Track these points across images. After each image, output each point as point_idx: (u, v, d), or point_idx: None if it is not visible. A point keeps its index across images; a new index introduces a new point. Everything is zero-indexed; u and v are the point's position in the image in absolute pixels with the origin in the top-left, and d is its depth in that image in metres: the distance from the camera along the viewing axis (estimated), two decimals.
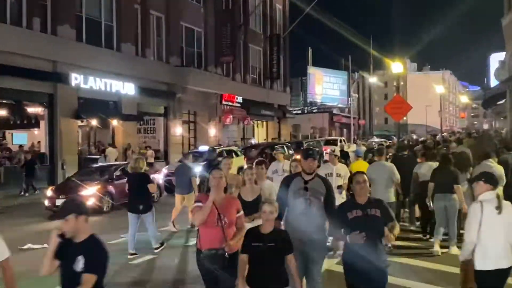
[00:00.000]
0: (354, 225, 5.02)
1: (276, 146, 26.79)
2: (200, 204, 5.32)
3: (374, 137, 64.30)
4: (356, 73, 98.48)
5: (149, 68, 27.63)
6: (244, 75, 39.03)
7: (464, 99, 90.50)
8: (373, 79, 77.60)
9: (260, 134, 43.01)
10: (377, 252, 5.03)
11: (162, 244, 10.47)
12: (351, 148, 30.36)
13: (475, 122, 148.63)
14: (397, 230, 5.13)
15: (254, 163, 7.96)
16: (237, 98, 36.71)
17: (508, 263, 5.23)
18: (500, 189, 7.22)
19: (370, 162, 11.86)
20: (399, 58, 41.34)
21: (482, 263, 5.25)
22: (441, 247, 9.49)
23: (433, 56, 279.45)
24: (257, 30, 41.63)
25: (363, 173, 5.47)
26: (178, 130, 30.47)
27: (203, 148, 24.10)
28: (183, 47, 31.68)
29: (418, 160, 11.88)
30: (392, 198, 10.11)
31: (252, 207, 6.38)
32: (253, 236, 5.00)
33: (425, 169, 10.70)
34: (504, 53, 26.24)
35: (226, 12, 35.55)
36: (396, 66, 22.54)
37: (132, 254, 9.89)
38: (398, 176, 10.22)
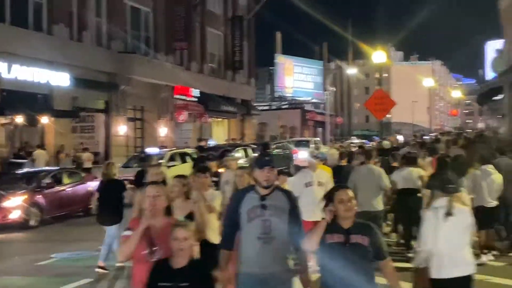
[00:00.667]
0: (332, 251, 4.75)
1: (237, 149, 26.87)
2: (129, 233, 4.87)
3: (354, 137, 65.00)
4: (333, 62, 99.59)
5: (86, 55, 27.28)
6: (201, 64, 38.94)
7: (457, 94, 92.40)
8: (352, 70, 78.45)
9: (220, 133, 42.99)
10: None
11: (105, 268, 10.21)
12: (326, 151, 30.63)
13: (469, 121, 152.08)
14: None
15: (195, 171, 7.84)
16: (192, 91, 36.61)
17: (464, 272, 5.76)
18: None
19: (335, 169, 11.99)
20: (381, 46, 41.86)
21: (437, 272, 5.78)
22: None
23: (422, 44, 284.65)
24: (216, 11, 41.60)
25: (347, 188, 5.07)
26: (121, 128, 30.18)
27: (152, 150, 24.00)
28: (128, 30, 31.40)
29: (395, 164, 12.17)
30: (380, 206, 10.47)
31: None
32: (160, 273, 4.47)
33: (404, 175, 11.10)
34: (501, 40, 26.91)
35: None
36: (377, 56, 22.86)
37: (99, 267, 10.07)
38: (387, 182, 10.64)
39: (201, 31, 38.89)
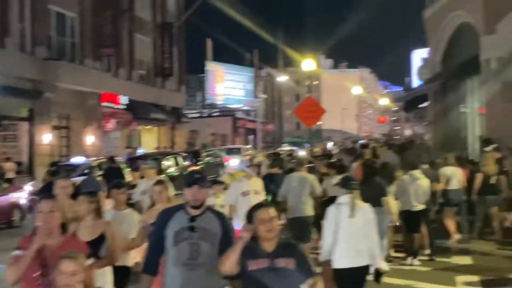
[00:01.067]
0: (256, 279, 4.43)
1: (167, 157, 26.53)
2: (19, 253, 4.38)
3: (285, 144, 65.52)
4: (263, 69, 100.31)
5: (9, 62, 26.35)
6: (129, 70, 38.35)
7: (384, 101, 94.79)
8: (283, 78, 79.24)
9: (149, 142, 42.40)
10: None
11: None
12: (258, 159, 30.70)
13: (397, 127, 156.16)
14: None
15: (111, 187, 7.45)
16: (120, 99, 35.98)
17: (363, 262, 6.59)
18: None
19: (266, 177, 12.03)
20: (311, 53, 42.47)
21: (339, 262, 6.56)
22: None
23: (351, 52, 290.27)
24: (145, 17, 41.10)
25: (269, 206, 4.82)
26: (46, 137, 29.33)
27: (78, 159, 23.40)
28: (53, 36, 30.57)
29: (325, 171, 12.37)
30: (310, 212, 10.74)
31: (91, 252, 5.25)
32: None
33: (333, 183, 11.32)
34: (427, 49, 27.73)
35: None
36: (307, 64, 23.09)
37: None
38: (319, 189, 11.08)
39: (129, 37, 38.32)
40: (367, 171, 10.62)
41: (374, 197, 9.88)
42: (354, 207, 6.68)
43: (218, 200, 9.59)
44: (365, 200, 10.07)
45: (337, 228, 6.57)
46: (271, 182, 11.82)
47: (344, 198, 6.77)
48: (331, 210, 6.74)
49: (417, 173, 11.43)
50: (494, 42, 18.15)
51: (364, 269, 6.65)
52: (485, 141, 17.06)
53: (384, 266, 6.94)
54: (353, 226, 6.60)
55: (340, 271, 6.57)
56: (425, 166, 13.00)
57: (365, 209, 6.88)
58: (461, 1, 20.68)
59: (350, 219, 6.61)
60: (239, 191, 9.54)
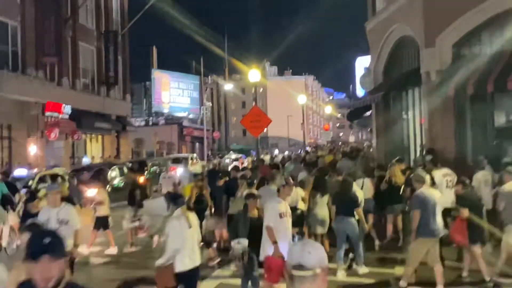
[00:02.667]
0: None
1: (113, 167, 26.23)
2: None
3: (231, 152, 65.62)
4: (209, 77, 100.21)
5: None
6: (73, 79, 37.77)
7: (329, 109, 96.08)
8: (229, 86, 79.41)
9: (94, 151, 41.83)
10: None
11: None
12: (195, 168, 30.75)
13: (341, 134, 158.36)
14: None
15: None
16: (64, 108, 35.36)
17: (195, 263, 8.12)
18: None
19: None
20: (257, 62, 42.69)
21: (180, 266, 7.89)
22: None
23: (296, 58, 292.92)
24: (88, 26, 40.62)
25: None
26: None
27: (20, 171, 22.85)
28: None
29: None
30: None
31: None
32: None
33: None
34: (370, 56, 28.35)
35: (49, 2, 34.16)
36: (253, 74, 23.22)
37: None
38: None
39: (72, 45, 37.75)
40: (344, 187, 11.78)
41: (348, 208, 11.35)
42: (188, 220, 8.17)
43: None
44: (340, 211, 11.42)
45: (180, 236, 7.98)
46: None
47: (178, 212, 8.22)
48: (173, 222, 8.10)
49: (354, 185, 12.29)
50: (434, 55, 18.68)
51: (196, 269, 8.26)
52: (428, 152, 17.55)
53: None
54: (191, 233, 8.19)
55: (182, 273, 7.94)
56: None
57: (194, 216, 8.64)
58: (402, 14, 21.16)
59: (188, 227, 8.11)
60: (277, 212, 9.10)
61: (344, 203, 11.48)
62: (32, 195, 10.38)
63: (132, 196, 15.69)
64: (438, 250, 9.91)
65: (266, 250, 8.79)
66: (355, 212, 11.51)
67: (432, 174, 12.80)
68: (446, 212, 11.08)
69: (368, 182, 14.04)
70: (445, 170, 13.87)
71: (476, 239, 10.29)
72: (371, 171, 16.30)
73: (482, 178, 13.64)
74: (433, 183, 11.56)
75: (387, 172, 14.44)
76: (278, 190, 10.29)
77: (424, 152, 19.49)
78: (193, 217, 8.48)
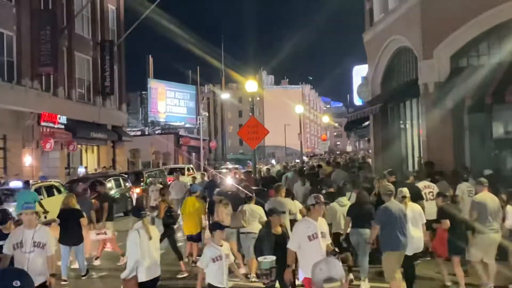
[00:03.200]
0: None
1: (108, 179, 26.09)
2: None
3: (228, 163, 65.52)
4: (206, 86, 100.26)
5: None
6: (68, 89, 37.74)
7: (326, 119, 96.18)
8: (225, 96, 79.42)
9: (90, 161, 41.74)
10: None
11: (88, 271, 13.74)
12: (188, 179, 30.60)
13: (338, 143, 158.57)
14: None
15: None
16: (60, 118, 35.31)
17: (156, 273, 8.64)
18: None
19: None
20: (253, 71, 42.66)
21: (143, 276, 8.39)
22: None
23: (293, 68, 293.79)
24: (84, 35, 40.64)
25: None
26: None
27: (16, 183, 22.69)
28: None
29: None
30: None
31: None
32: None
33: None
34: (367, 65, 28.42)
35: (45, 13, 34.24)
36: (250, 85, 23.20)
37: (64, 281, 12.78)
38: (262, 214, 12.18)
39: (68, 55, 37.74)
40: (362, 199, 11.88)
41: (363, 221, 11.36)
42: (148, 232, 8.60)
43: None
44: (356, 223, 11.47)
45: (142, 247, 8.42)
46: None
47: (139, 224, 8.64)
48: (132, 235, 8.52)
49: (344, 199, 12.65)
50: (432, 67, 18.72)
51: (157, 278, 8.78)
52: (426, 164, 17.55)
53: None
54: (150, 244, 8.60)
55: (144, 283, 8.46)
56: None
57: (155, 229, 9.14)
58: (399, 26, 21.21)
59: (148, 239, 8.56)
60: (305, 234, 8.32)
61: (360, 216, 11.43)
62: (5, 216, 9.59)
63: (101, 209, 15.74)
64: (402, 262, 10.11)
65: (303, 270, 8.29)
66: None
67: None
68: (429, 224, 11.30)
69: (355, 195, 13.97)
70: (425, 183, 13.94)
71: (456, 250, 10.64)
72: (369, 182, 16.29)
73: (466, 189, 13.67)
74: (418, 197, 11.56)
75: (375, 184, 14.49)
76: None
77: (422, 164, 19.52)
78: (153, 229, 8.97)
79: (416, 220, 10.49)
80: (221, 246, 8.62)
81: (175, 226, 14.38)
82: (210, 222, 14.98)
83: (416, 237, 10.37)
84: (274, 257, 8.65)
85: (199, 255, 11.91)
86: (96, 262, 15.20)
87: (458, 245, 10.64)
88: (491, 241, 10.69)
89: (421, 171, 17.29)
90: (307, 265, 7.54)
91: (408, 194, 10.59)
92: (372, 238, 10.52)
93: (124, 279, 8.49)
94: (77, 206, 13.64)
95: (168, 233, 13.73)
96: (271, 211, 9.87)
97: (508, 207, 11.22)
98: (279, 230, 9.43)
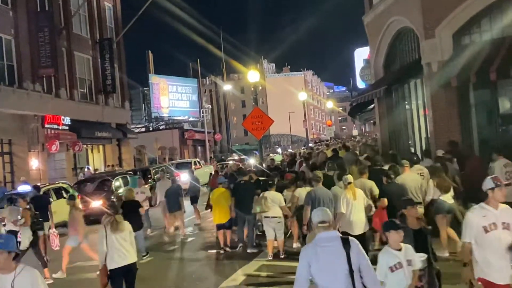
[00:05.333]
0: None
1: (116, 177, 26.19)
2: None
3: (234, 154, 65.59)
4: (207, 78, 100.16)
5: None
6: (70, 90, 37.82)
7: (330, 104, 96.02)
8: (227, 87, 79.34)
9: (96, 161, 41.88)
10: None
11: (147, 253, 15.76)
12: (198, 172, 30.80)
13: (344, 127, 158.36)
14: None
15: None
16: (63, 120, 35.45)
17: (127, 261, 9.58)
18: None
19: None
20: (254, 60, 42.69)
21: (110, 264, 9.48)
22: None
23: (294, 55, 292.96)
24: (83, 35, 40.65)
25: None
26: None
27: (25, 188, 22.79)
28: None
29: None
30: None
31: None
32: None
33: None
34: (368, 47, 28.31)
35: (42, 14, 34.23)
36: (252, 75, 23.21)
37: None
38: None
39: (68, 56, 37.78)
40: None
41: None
42: (119, 225, 9.70)
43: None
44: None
45: (107, 240, 9.50)
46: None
47: (106, 219, 9.75)
48: (101, 231, 9.66)
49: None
50: (434, 46, 18.66)
51: (132, 265, 9.73)
52: (451, 143, 17.50)
53: None
54: (118, 238, 9.58)
55: (113, 270, 9.50)
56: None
57: (126, 225, 9.94)
58: (400, 6, 21.14)
59: (115, 233, 9.60)
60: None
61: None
62: None
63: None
64: None
65: (479, 269, 7.04)
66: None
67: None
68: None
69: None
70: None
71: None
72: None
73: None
74: (349, 182, 11.59)
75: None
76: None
77: (428, 145, 19.55)
78: (124, 222, 9.90)
79: (360, 204, 11.40)
80: (400, 250, 7.08)
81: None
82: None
83: (359, 219, 11.32)
84: (425, 255, 7.56)
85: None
86: None
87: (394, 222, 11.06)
88: None
89: (427, 150, 17.49)
90: (484, 262, 6.83)
91: (351, 180, 11.46)
92: (305, 219, 11.75)
93: (99, 269, 9.73)
94: (136, 198, 16.59)
95: (35, 239, 14.27)
96: (406, 202, 8.68)
97: (430, 182, 12.41)
98: (414, 223, 8.25)
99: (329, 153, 23.56)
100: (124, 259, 9.58)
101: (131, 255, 9.74)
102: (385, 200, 11.53)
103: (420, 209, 11.70)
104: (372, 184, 12.65)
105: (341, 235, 5.76)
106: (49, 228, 16.88)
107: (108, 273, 9.55)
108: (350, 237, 5.74)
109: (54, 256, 15.86)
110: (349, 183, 11.33)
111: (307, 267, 5.51)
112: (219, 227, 15.67)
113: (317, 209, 6.03)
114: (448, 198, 12.23)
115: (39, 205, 16.94)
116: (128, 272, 9.66)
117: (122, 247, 9.59)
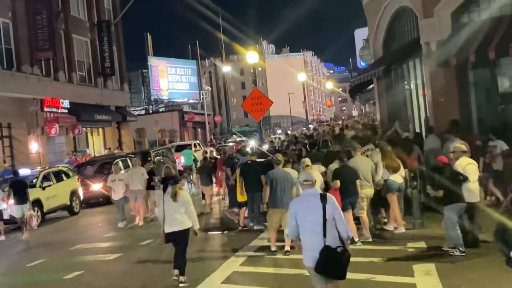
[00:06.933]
0: None
1: (116, 160, 26.18)
2: None
3: (234, 136, 65.60)
4: (206, 60, 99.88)
5: None
6: (69, 73, 37.73)
7: (330, 85, 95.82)
8: (227, 68, 79.10)
9: (96, 144, 41.92)
10: None
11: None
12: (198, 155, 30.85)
13: (344, 108, 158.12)
14: None
15: None
16: (62, 103, 35.36)
17: (180, 227, 10.49)
18: None
19: None
20: (253, 42, 42.52)
21: (167, 229, 10.49)
22: None
23: (293, 35, 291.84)
24: (80, 17, 40.45)
25: None
26: None
27: (25, 171, 22.85)
28: None
29: None
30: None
31: None
32: None
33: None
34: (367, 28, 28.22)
35: None
36: (251, 56, 23.17)
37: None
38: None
39: (66, 38, 37.65)
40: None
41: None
42: (177, 194, 10.40)
43: None
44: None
45: (164, 207, 10.39)
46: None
47: (170, 188, 10.46)
48: (159, 195, 10.79)
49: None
50: (433, 25, 18.63)
51: (182, 232, 10.46)
52: (454, 122, 17.53)
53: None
54: (172, 205, 10.35)
55: (167, 234, 10.44)
56: None
57: (184, 195, 10.72)
58: None
59: (171, 201, 10.34)
60: None
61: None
62: None
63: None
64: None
65: None
66: None
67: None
68: None
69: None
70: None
71: (346, 206, 11.72)
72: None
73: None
74: (306, 165, 12.14)
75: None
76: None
77: (428, 124, 19.59)
78: (182, 192, 10.69)
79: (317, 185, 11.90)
80: None
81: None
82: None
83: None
84: None
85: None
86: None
87: (348, 201, 12.02)
88: (364, 195, 12.54)
89: (431, 127, 17.68)
90: None
91: (309, 163, 12.21)
92: (264, 198, 12.71)
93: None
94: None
95: None
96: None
97: (379, 163, 13.11)
98: None
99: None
100: (175, 226, 10.43)
101: (183, 223, 10.49)
102: (338, 181, 11.98)
103: (370, 190, 12.72)
104: (371, 163, 13.24)
105: (320, 192, 7.52)
106: (28, 210, 18.44)
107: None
108: (327, 193, 7.47)
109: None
110: (307, 165, 11.98)
111: (294, 215, 7.11)
112: (242, 205, 15.98)
113: (302, 171, 8.86)
114: (397, 178, 13.06)
115: (19, 189, 18.48)
116: (179, 238, 10.49)
117: (173, 215, 10.40)
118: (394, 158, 13.11)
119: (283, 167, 12.99)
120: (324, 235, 6.81)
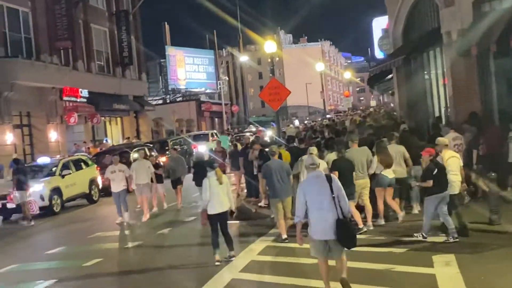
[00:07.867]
0: None
1: (135, 150, 26.28)
2: None
3: (251, 125, 65.54)
4: (224, 49, 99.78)
5: None
6: (87, 62, 37.89)
7: (348, 74, 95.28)
8: (244, 58, 78.94)
9: (114, 133, 42.13)
10: None
11: None
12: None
13: (362, 98, 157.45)
14: None
15: None
16: (81, 92, 35.54)
17: (223, 209, 11.24)
18: None
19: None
20: (271, 31, 42.33)
21: (210, 210, 11.14)
22: None
23: (311, 25, 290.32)
24: (99, 6, 40.59)
25: None
26: (8, 137, 28.85)
27: (44, 160, 23.05)
28: (7, 33, 30.02)
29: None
30: None
31: None
32: None
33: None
34: (387, 17, 27.96)
35: None
36: (268, 45, 23.06)
37: None
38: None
39: (85, 28, 37.80)
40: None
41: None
42: (221, 178, 11.22)
43: None
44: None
45: (210, 190, 11.01)
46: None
47: (212, 173, 11.20)
48: (205, 181, 11.17)
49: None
50: (454, 14, 18.38)
51: (224, 213, 11.21)
52: (472, 114, 17.33)
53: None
54: (219, 189, 11.09)
55: (211, 215, 11.06)
56: None
57: (226, 179, 11.51)
58: None
59: (217, 185, 11.09)
60: None
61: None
62: None
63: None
64: (290, 206, 12.46)
65: None
66: None
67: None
68: None
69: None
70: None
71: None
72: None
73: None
74: (310, 153, 12.36)
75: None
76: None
77: (448, 113, 19.40)
78: (224, 176, 11.48)
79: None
80: None
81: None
82: None
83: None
84: None
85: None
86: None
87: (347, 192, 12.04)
88: (359, 185, 12.78)
89: (449, 122, 17.42)
90: None
91: (313, 151, 12.48)
92: (261, 188, 13.89)
93: (203, 210, 11.26)
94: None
95: None
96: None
97: (374, 157, 13.20)
98: None
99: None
100: (221, 207, 11.14)
101: (226, 204, 11.27)
102: (336, 173, 11.93)
103: (364, 181, 13.01)
104: (403, 149, 13.64)
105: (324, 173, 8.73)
106: (28, 197, 19.12)
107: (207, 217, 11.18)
108: (331, 174, 8.86)
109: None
110: (311, 153, 12.24)
111: (303, 196, 8.06)
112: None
113: (308, 156, 11.33)
114: (389, 173, 13.16)
115: (20, 176, 19.26)
116: (223, 218, 11.25)
117: (220, 197, 11.13)
118: (388, 154, 13.26)
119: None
120: (336, 209, 7.85)
